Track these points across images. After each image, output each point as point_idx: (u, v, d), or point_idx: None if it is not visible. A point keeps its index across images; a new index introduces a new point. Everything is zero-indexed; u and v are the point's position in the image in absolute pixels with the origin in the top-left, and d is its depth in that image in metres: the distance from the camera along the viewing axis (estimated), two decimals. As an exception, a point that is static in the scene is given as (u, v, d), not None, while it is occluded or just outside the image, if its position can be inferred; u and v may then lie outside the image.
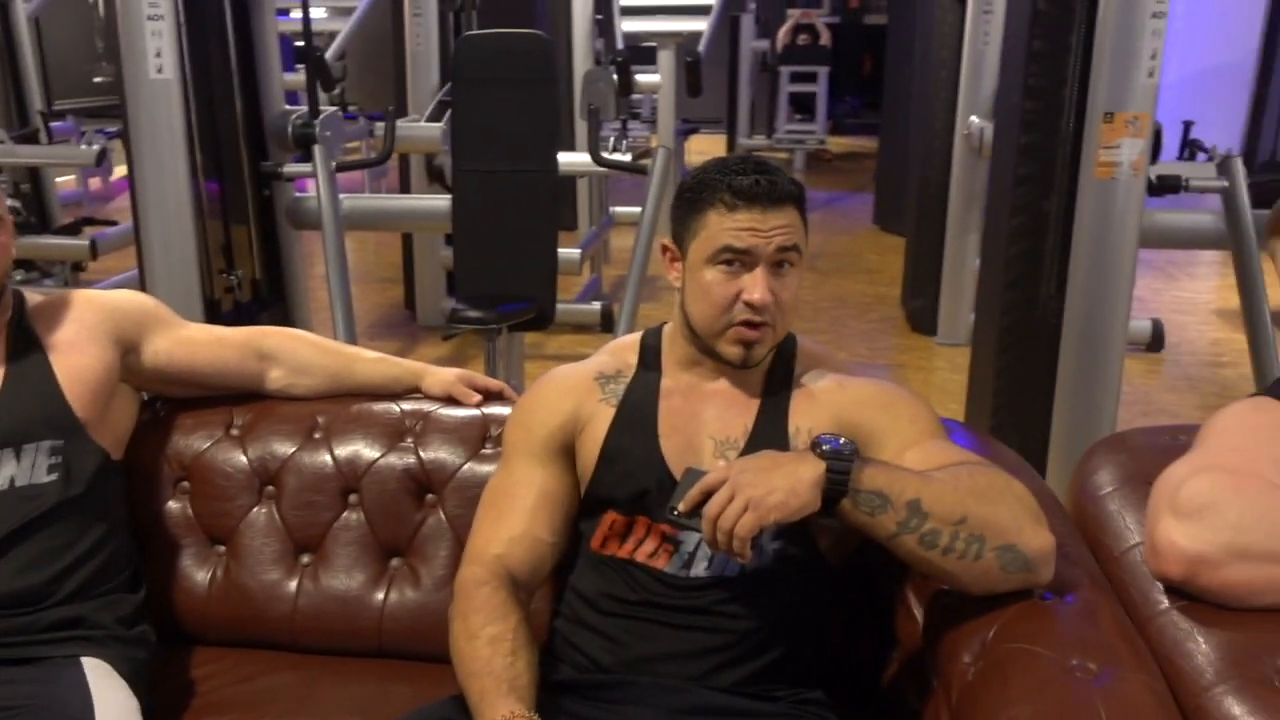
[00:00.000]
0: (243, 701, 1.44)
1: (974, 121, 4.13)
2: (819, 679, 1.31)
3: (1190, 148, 4.10)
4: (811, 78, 9.74)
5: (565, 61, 5.63)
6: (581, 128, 4.80)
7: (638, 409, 1.34)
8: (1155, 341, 4.32)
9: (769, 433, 1.30)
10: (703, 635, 1.26)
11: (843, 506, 1.10)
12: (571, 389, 1.38)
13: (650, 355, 1.39)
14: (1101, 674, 1.04)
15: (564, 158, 3.38)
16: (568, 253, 4.36)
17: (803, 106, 10.02)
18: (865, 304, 5.03)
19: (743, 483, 1.09)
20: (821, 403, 1.32)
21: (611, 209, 5.70)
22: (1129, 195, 2.36)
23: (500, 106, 2.74)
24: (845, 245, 6.40)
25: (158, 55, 2.68)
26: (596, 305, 4.63)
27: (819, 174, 9.31)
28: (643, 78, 6.05)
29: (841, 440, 1.13)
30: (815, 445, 1.12)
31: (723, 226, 1.23)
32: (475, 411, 1.65)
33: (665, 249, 1.33)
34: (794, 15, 9.87)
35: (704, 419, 1.32)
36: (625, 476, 1.30)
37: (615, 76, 4.87)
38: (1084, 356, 2.48)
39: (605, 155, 3.28)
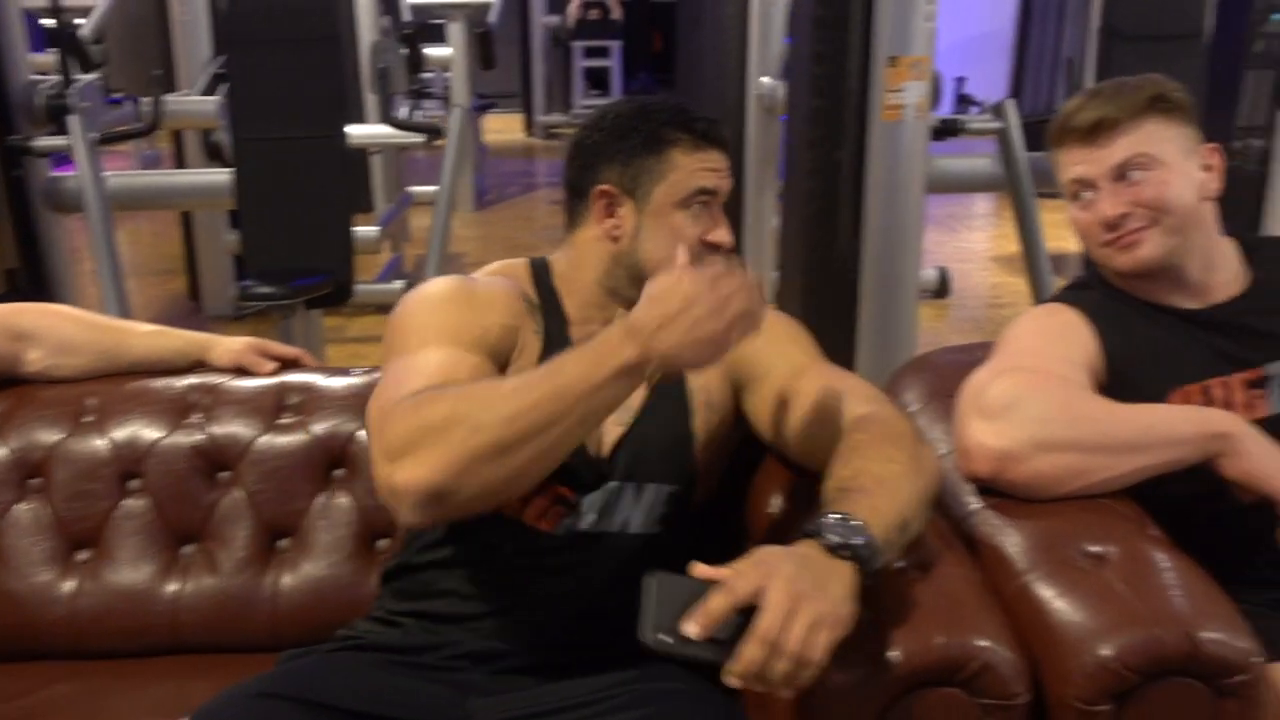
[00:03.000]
0: (15, 721, 1.28)
1: (765, 82, 4.21)
2: None
3: (963, 101, 4.34)
4: (604, 52, 9.75)
5: (350, 34, 5.38)
6: (374, 103, 4.60)
7: (552, 353, 1.21)
8: (942, 288, 4.55)
9: (666, 391, 1.24)
10: (570, 589, 1.20)
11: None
12: (509, 302, 1.23)
13: (550, 296, 1.28)
14: (923, 571, 1.05)
15: (357, 129, 3.21)
16: (367, 230, 4.18)
17: (597, 82, 10.03)
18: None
19: (801, 592, 0.88)
20: None
21: (408, 188, 5.51)
22: (915, 136, 2.45)
23: (279, 68, 2.57)
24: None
25: None
26: (399, 284, 4.46)
27: (618, 148, 9.35)
28: (434, 52, 5.88)
29: (835, 518, 0.97)
30: (818, 533, 0.95)
31: (693, 168, 1.21)
32: (269, 380, 1.53)
33: (603, 193, 1.23)
34: (583, -10, 9.84)
35: None
36: None
37: (404, 51, 4.70)
38: (882, 299, 2.57)
39: (407, 119, 3.13)
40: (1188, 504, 1.25)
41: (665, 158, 1.21)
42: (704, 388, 1.27)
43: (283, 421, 1.49)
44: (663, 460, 1.23)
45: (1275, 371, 1.29)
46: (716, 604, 0.87)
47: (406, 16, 5.77)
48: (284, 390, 1.52)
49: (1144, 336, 1.33)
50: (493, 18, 5.97)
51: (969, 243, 5.80)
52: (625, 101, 1.30)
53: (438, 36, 6.13)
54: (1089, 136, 1.31)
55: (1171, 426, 1.18)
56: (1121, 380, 1.30)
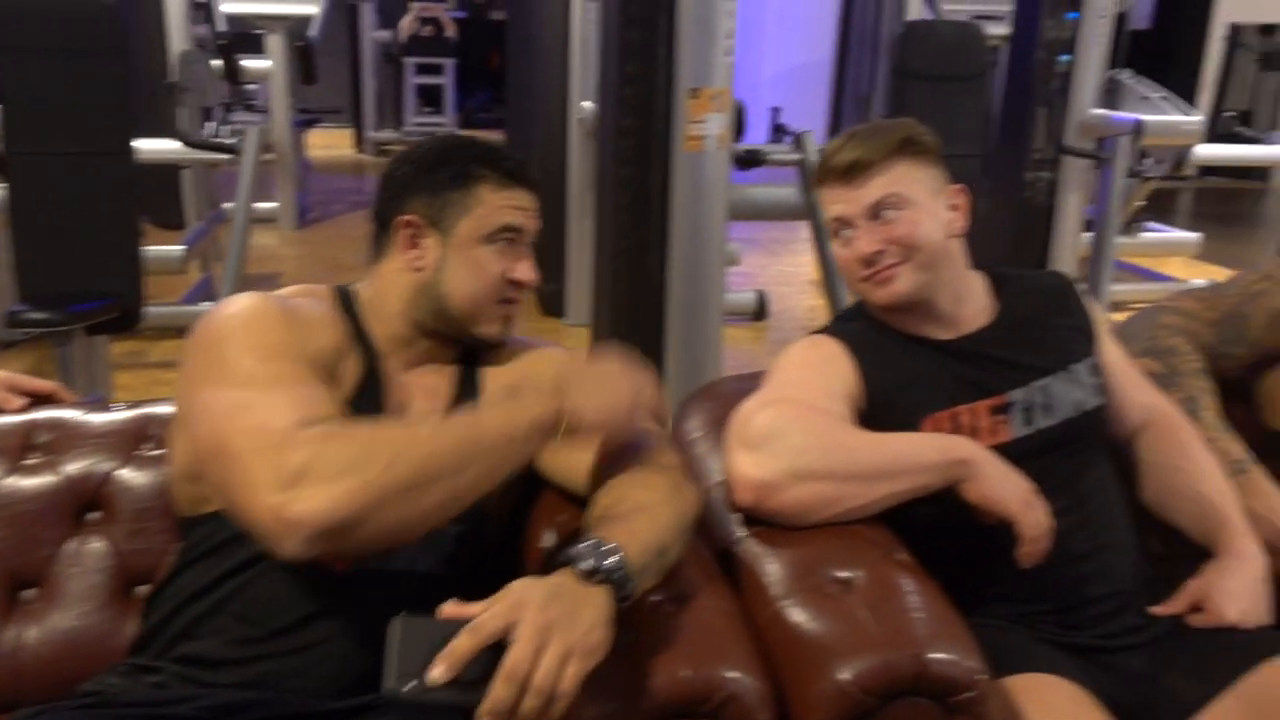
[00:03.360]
0: None
1: (586, 106, 4.25)
2: None
3: (778, 131, 4.50)
4: (438, 70, 9.64)
5: (159, 43, 5.13)
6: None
7: (369, 391, 1.20)
8: (760, 311, 4.69)
9: None
10: (348, 631, 1.15)
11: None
12: (332, 324, 1.21)
13: (356, 324, 1.25)
14: (679, 603, 1.07)
15: (147, 144, 3.06)
16: (168, 250, 3.98)
17: (431, 99, 9.91)
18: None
19: (550, 623, 0.88)
20: (506, 380, 1.28)
21: (223, 205, 5.28)
22: (717, 166, 2.52)
23: (57, 80, 2.41)
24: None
25: None
26: (207, 306, 4.26)
27: (452, 167, 9.24)
28: (253, 64, 5.67)
29: (587, 544, 0.98)
30: (571, 561, 0.96)
31: (499, 205, 1.23)
32: (16, 418, 1.43)
33: (408, 224, 1.24)
34: (415, 7, 9.71)
35: (412, 412, 1.23)
36: None
37: (219, 61, 4.51)
38: (688, 323, 2.62)
39: (196, 137, 3.01)
40: (937, 526, 1.32)
41: (472, 192, 1.23)
42: None
43: (29, 462, 1.38)
44: None
45: (1017, 398, 1.37)
46: (461, 644, 0.86)
47: (222, 26, 5.55)
48: (32, 428, 1.41)
49: (900, 366, 1.40)
50: (314, 31, 5.80)
51: (791, 266, 5.99)
52: (437, 138, 1.31)
53: (258, 47, 5.92)
54: (846, 177, 1.37)
55: (918, 454, 1.24)
56: (880, 408, 1.36)
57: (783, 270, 5.91)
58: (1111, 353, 1.53)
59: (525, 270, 1.25)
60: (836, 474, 1.20)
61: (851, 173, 1.36)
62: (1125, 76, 4.17)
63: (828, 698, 0.99)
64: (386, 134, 9.40)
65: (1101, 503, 1.39)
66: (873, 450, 1.24)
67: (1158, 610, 1.37)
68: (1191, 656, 1.31)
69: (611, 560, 0.95)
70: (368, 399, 1.19)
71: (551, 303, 4.72)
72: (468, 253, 1.23)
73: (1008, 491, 1.22)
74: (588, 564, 0.95)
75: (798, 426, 1.24)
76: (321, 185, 7.46)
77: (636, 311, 2.79)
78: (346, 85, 9.13)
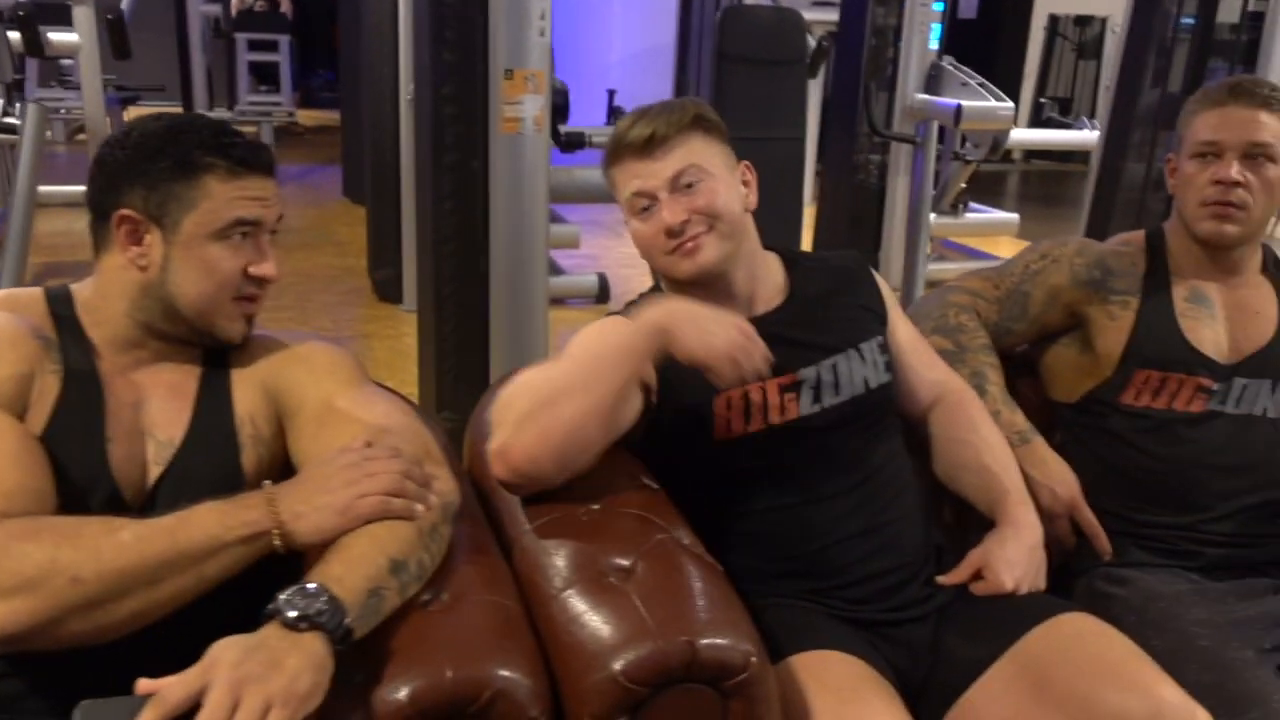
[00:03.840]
0: None
1: (414, 87, 4.13)
2: None
3: (614, 114, 4.49)
4: (273, 46, 9.25)
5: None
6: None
7: (81, 397, 1.10)
8: (602, 293, 4.69)
9: (212, 424, 1.16)
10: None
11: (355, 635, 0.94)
12: (17, 344, 1.09)
13: (69, 326, 1.14)
14: (451, 601, 1.04)
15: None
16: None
17: (266, 77, 9.50)
18: (333, 276, 4.88)
19: (245, 677, 0.84)
20: (255, 380, 1.20)
21: (40, 189, 4.93)
22: (535, 148, 2.48)
23: None
24: (314, 218, 6.17)
25: None
26: None
27: (290, 147, 8.90)
28: (60, 38, 5.28)
29: (291, 591, 0.93)
30: (275, 613, 0.91)
31: (230, 197, 1.12)
32: None
33: (126, 219, 1.12)
34: (247, -20, 9.29)
35: (147, 414, 1.14)
36: (59, 492, 1.05)
37: (16, 33, 4.19)
38: (512, 305, 2.58)
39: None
40: (726, 507, 1.33)
41: (197, 184, 1.12)
42: (251, 420, 1.19)
43: None
44: (212, 498, 1.14)
45: (807, 376, 1.39)
46: (146, 719, 0.83)
47: (22, -3, 5.16)
48: None
49: None
50: (125, 3, 5.46)
51: (635, 249, 6.01)
52: (156, 118, 1.17)
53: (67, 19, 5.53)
54: (645, 151, 1.36)
55: (618, 341, 1.25)
56: (671, 386, 1.36)
57: (626, 252, 5.90)
58: (903, 331, 1.57)
59: (266, 266, 1.15)
60: (544, 398, 1.20)
61: (650, 146, 1.35)
62: (946, 62, 4.32)
63: (599, 690, 0.97)
64: (220, 113, 8.96)
65: (889, 477, 1.42)
66: (574, 361, 1.24)
67: (943, 580, 1.41)
68: (969, 623, 1.36)
69: (319, 603, 0.91)
70: (79, 409, 1.10)
71: (387, 288, 4.58)
72: (196, 251, 1.12)
73: (711, 341, 1.23)
74: (293, 612, 0.90)
75: (523, 385, 1.24)
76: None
77: (462, 296, 2.73)
78: (174, 61, 8.65)
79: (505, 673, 0.96)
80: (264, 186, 1.16)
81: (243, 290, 1.15)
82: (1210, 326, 1.61)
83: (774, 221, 4.40)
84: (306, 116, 10.13)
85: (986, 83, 3.98)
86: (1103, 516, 1.60)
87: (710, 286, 1.41)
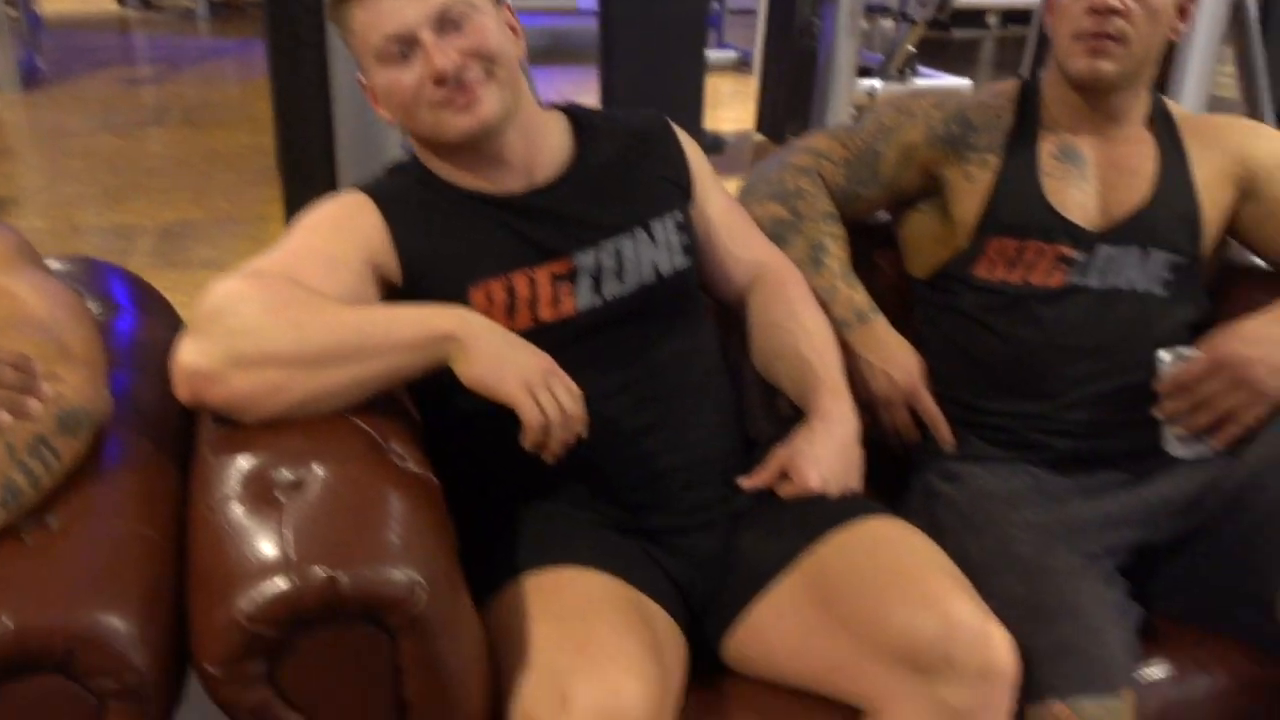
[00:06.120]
0: None
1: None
2: None
3: None
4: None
5: None
6: None
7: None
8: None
9: None
10: None
11: None
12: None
13: None
14: (61, 532, 0.86)
15: None
16: None
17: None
18: (240, 155, 4.60)
19: None
20: None
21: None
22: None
23: None
24: (237, 95, 5.83)
25: None
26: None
27: (227, 21, 8.43)
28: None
29: None
30: None
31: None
32: None
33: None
34: None
35: None
36: None
37: None
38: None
39: None
40: (483, 410, 1.11)
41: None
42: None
43: None
44: None
45: (584, 263, 1.19)
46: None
47: None
48: None
49: (448, 227, 1.19)
50: None
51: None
52: None
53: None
54: None
55: (391, 331, 1.03)
56: (418, 276, 1.16)
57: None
58: (716, 204, 1.36)
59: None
60: (281, 357, 0.98)
61: None
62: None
63: (220, 632, 0.80)
64: (151, -15, 8.47)
65: (680, 370, 1.23)
66: (330, 330, 1.01)
67: (744, 482, 1.24)
68: (763, 530, 1.20)
69: None
70: None
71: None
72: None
73: (505, 372, 1.02)
74: None
75: (250, 303, 1.01)
76: (60, 42, 6.66)
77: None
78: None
79: (94, 616, 0.79)
80: None
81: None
82: (1079, 186, 1.40)
83: (663, 95, 3.94)
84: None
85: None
86: (947, 405, 1.42)
87: (479, 150, 1.19)
